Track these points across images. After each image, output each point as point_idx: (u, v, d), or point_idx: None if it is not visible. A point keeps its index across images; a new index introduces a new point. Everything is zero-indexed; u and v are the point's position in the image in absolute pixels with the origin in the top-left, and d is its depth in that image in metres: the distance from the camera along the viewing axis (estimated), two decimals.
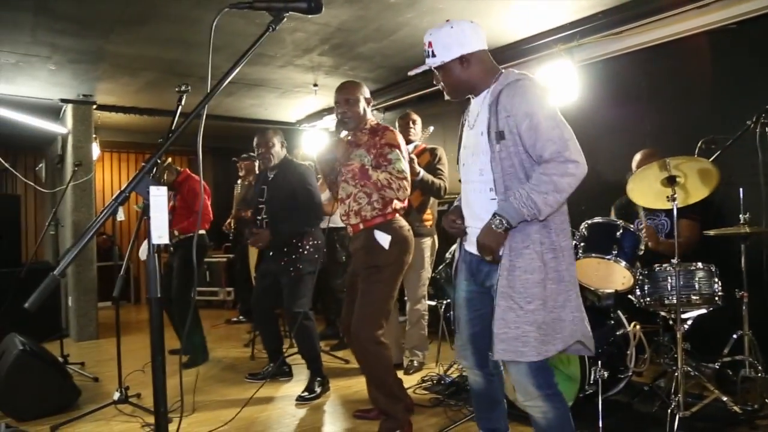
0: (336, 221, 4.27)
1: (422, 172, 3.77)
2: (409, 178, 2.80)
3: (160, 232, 1.24)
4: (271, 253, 3.68)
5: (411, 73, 2.11)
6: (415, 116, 4.11)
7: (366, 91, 2.97)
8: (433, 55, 1.98)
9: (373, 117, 3.00)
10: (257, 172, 3.88)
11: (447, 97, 2.11)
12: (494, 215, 1.84)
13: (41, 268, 5.56)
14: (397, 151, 2.79)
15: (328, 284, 5.12)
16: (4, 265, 5.31)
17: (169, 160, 4.70)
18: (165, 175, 4.60)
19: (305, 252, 3.61)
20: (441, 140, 5.11)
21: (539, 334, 1.84)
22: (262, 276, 3.82)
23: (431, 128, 4.06)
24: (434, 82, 2.10)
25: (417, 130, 4.10)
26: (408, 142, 4.08)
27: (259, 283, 3.87)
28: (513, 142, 1.87)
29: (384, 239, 2.79)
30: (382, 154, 2.78)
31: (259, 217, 3.79)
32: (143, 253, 4.54)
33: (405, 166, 2.80)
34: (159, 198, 1.24)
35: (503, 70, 2.01)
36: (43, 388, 3.27)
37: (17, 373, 3.19)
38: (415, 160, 3.76)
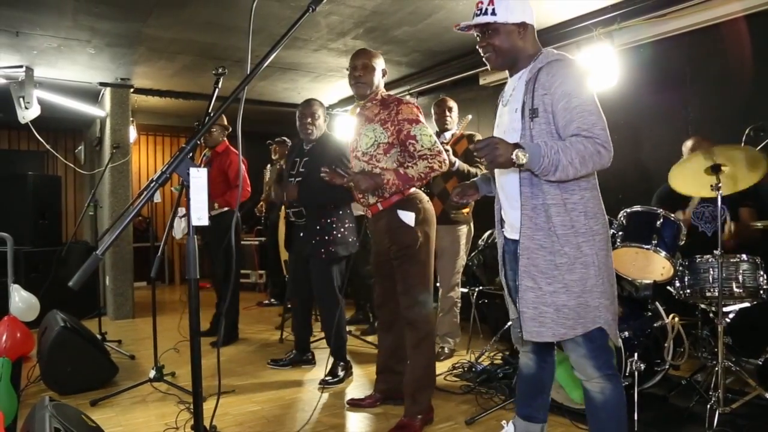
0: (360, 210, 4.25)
1: (458, 162, 3.73)
2: (441, 146, 2.71)
3: (199, 213, 1.25)
4: (301, 234, 3.60)
5: (458, 26, 1.99)
6: (451, 103, 4.05)
7: (382, 62, 2.88)
8: (493, 13, 1.90)
9: (383, 87, 2.90)
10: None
11: (488, 64, 2.03)
12: (518, 145, 1.75)
13: (80, 247, 5.74)
14: (419, 125, 2.69)
15: (357, 270, 5.13)
16: (46, 244, 5.49)
17: (225, 121, 4.69)
18: (211, 135, 4.57)
19: (339, 235, 3.52)
20: (475, 127, 5.04)
21: (557, 317, 1.84)
22: (296, 260, 3.76)
23: (470, 116, 3.99)
24: (479, 46, 2.00)
25: (453, 117, 4.04)
26: (444, 130, 4.03)
27: (293, 268, 3.81)
28: (546, 120, 1.84)
29: (409, 217, 2.72)
30: (403, 131, 2.68)
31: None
32: (178, 231, 4.57)
33: (432, 135, 2.70)
34: (199, 179, 1.24)
35: (542, 51, 1.97)
36: (83, 363, 3.37)
37: (59, 349, 3.29)
38: (450, 151, 3.71)
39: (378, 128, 2.74)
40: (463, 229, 4.00)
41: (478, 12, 1.93)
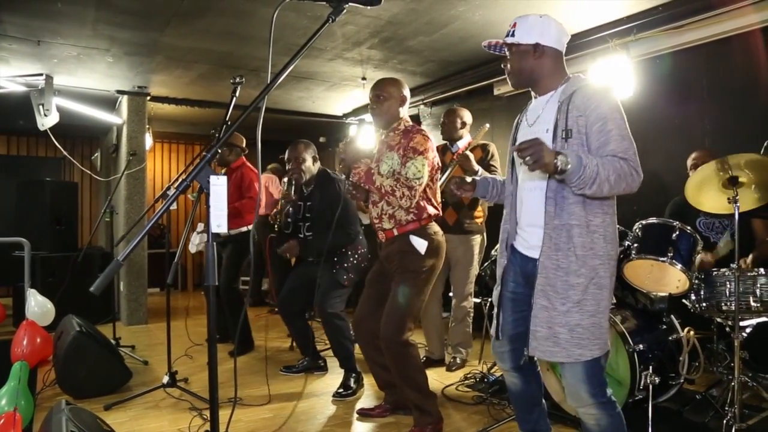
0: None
1: (480, 170, 3.73)
2: (418, 187, 2.69)
3: (219, 221, 1.26)
4: (315, 262, 3.65)
5: (484, 44, 2.09)
6: (463, 113, 4.04)
7: (403, 90, 2.89)
8: (512, 35, 1.98)
9: (408, 117, 2.94)
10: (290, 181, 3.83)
11: (509, 83, 2.10)
12: (559, 152, 1.73)
13: (96, 253, 5.81)
14: (420, 157, 2.70)
15: (361, 284, 5.12)
16: (62, 249, 5.56)
17: (244, 143, 4.69)
18: (227, 154, 4.53)
19: (355, 261, 3.61)
20: (488, 136, 5.03)
21: (571, 337, 1.84)
22: (298, 276, 3.79)
23: (487, 125, 4.00)
24: (502, 66, 2.10)
25: (467, 126, 4.04)
26: (451, 139, 4.02)
27: (291, 281, 3.82)
28: (579, 141, 1.86)
29: (421, 245, 2.76)
30: (405, 156, 2.74)
31: (300, 235, 3.76)
32: (193, 246, 4.61)
33: (419, 173, 2.69)
34: (219, 187, 1.26)
35: (572, 75, 2.01)
36: (98, 368, 3.40)
37: (75, 353, 3.32)
38: (472, 158, 3.70)
39: (395, 156, 2.79)
40: (477, 239, 3.99)
41: (506, 34, 2.01)
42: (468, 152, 3.72)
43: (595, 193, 1.77)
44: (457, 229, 3.91)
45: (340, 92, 6.02)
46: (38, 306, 3.78)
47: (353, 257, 3.62)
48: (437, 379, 3.68)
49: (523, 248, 2.06)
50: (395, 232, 2.82)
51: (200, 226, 4.76)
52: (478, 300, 4.06)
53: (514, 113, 2.22)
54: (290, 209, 3.81)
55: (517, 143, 2.12)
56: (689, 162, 3.46)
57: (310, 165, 3.73)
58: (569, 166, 1.70)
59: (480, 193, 2.29)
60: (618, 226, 3.21)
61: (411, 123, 2.91)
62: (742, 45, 3.55)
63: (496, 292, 2.17)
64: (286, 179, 3.80)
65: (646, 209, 3.54)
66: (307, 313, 3.92)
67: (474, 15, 3.80)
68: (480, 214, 4.02)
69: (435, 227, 2.86)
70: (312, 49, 4.58)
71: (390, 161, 2.79)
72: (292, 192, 3.78)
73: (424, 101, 5.87)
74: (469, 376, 3.70)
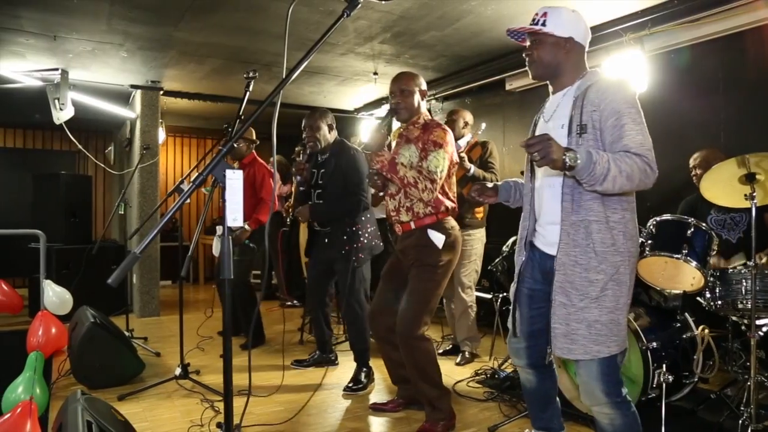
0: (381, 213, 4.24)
1: (473, 169, 3.80)
2: (439, 180, 2.71)
3: (235, 214, 1.27)
4: (326, 240, 3.65)
5: (509, 28, 2.04)
6: (465, 113, 4.06)
7: (422, 83, 2.91)
8: (543, 24, 1.94)
9: (427, 111, 2.95)
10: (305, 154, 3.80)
11: (529, 72, 2.06)
12: (569, 148, 1.71)
13: (110, 245, 5.86)
14: (440, 150, 2.72)
15: (378, 275, 5.13)
16: (77, 242, 5.62)
17: (254, 135, 4.68)
18: (245, 149, 4.52)
19: (365, 240, 3.57)
20: (500, 131, 5.03)
21: (589, 333, 1.82)
22: (316, 264, 3.80)
23: (483, 125, 4.00)
24: (525, 54, 2.05)
25: (467, 127, 4.05)
26: (455, 138, 4.05)
27: (312, 270, 3.83)
28: (594, 136, 1.84)
29: (438, 239, 2.76)
30: (425, 149, 2.75)
31: (311, 202, 3.72)
32: (216, 250, 4.61)
33: (440, 166, 2.71)
34: (234, 181, 1.27)
35: (589, 70, 1.98)
36: (111, 359, 3.44)
37: (89, 344, 3.36)
38: (465, 158, 3.73)
39: (413, 149, 2.80)
40: (477, 234, 3.99)
41: (533, 23, 1.97)
42: (462, 153, 3.75)
43: (607, 189, 1.74)
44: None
45: (351, 87, 6.01)
46: (56, 296, 3.84)
47: (362, 236, 3.56)
48: (448, 374, 3.68)
49: (543, 245, 2.05)
50: (412, 226, 2.81)
51: (219, 230, 4.80)
52: (489, 296, 4.05)
53: (526, 108, 2.22)
54: (299, 178, 3.77)
55: None
56: (691, 162, 3.43)
57: (326, 133, 3.69)
58: (578, 162, 1.67)
59: (503, 197, 2.27)
60: None
61: (430, 117, 2.93)
62: (758, 39, 3.50)
63: (512, 289, 2.16)
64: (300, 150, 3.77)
65: (660, 205, 3.51)
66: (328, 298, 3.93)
67: (486, 9, 3.77)
68: (480, 210, 4.02)
69: (452, 222, 2.85)
70: (324, 43, 4.53)
71: (408, 153, 2.80)
72: (304, 161, 3.74)
73: (436, 96, 5.84)
74: (479, 372, 3.70)
